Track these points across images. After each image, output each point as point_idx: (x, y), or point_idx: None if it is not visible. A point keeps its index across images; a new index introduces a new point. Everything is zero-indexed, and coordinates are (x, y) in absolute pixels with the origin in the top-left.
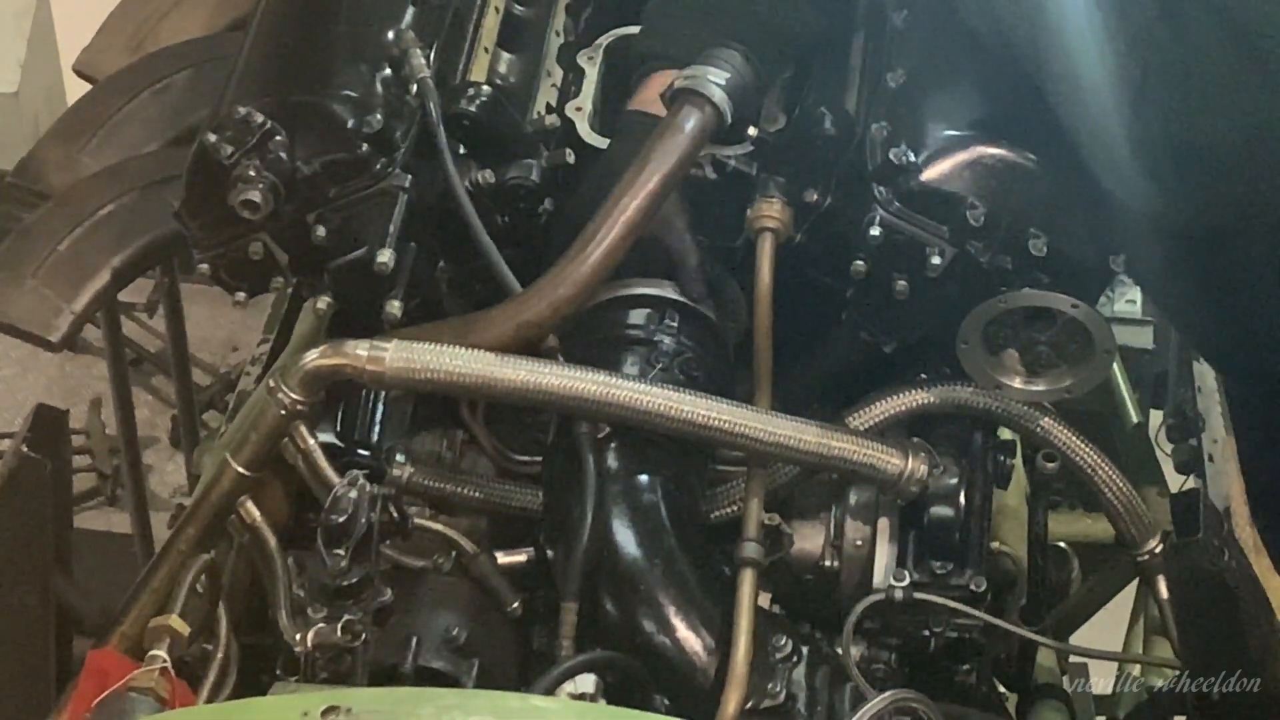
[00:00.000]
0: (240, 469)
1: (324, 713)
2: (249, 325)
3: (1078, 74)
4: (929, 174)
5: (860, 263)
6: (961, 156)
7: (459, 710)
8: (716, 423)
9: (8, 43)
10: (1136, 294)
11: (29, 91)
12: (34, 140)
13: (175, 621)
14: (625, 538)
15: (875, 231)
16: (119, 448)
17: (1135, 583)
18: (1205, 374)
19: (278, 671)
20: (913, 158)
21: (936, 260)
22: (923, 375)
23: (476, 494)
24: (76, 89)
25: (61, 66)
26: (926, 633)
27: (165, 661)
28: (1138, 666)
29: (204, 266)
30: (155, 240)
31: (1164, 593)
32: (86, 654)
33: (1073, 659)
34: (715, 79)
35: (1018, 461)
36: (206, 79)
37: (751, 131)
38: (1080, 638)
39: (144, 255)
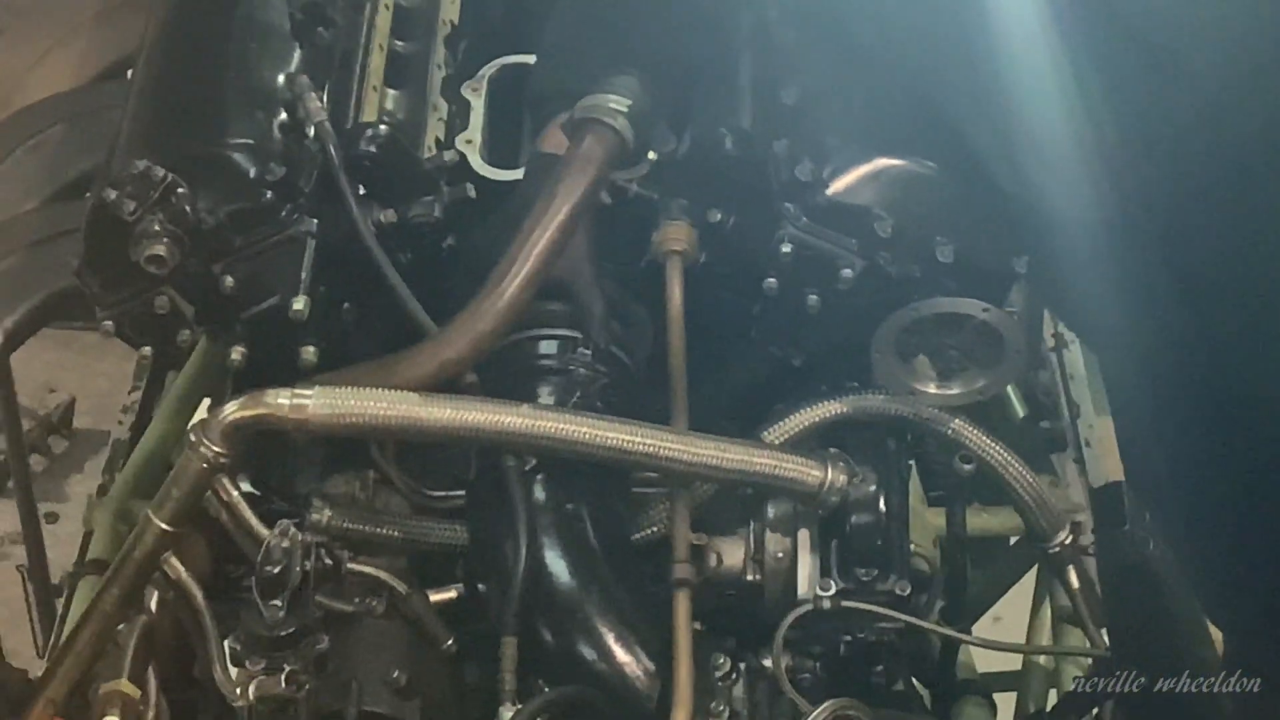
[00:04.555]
0: (164, 525)
1: None
2: (65, 365)
3: (985, 86)
4: (834, 189)
5: (772, 280)
6: (864, 169)
7: None
8: (643, 447)
9: None
10: None
11: None
12: None
13: (126, 686)
14: (559, 568)
15: (786, 249)
16: None
17: (1034, 574)
18: (1076, 361)
19: None
20: (819, 173)
21: (848, 273)
22: (823, 387)
23: (396, 533)
24: None
25: None
26: (848, 638)
27: None
28: (1042, 657)
29: (108, 324)
30: (47, 299)
31: (1075, 582)
32: None
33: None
34: (618, 105)
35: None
36: (81, 132)
37: (651, 155)
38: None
39: (36, 315)
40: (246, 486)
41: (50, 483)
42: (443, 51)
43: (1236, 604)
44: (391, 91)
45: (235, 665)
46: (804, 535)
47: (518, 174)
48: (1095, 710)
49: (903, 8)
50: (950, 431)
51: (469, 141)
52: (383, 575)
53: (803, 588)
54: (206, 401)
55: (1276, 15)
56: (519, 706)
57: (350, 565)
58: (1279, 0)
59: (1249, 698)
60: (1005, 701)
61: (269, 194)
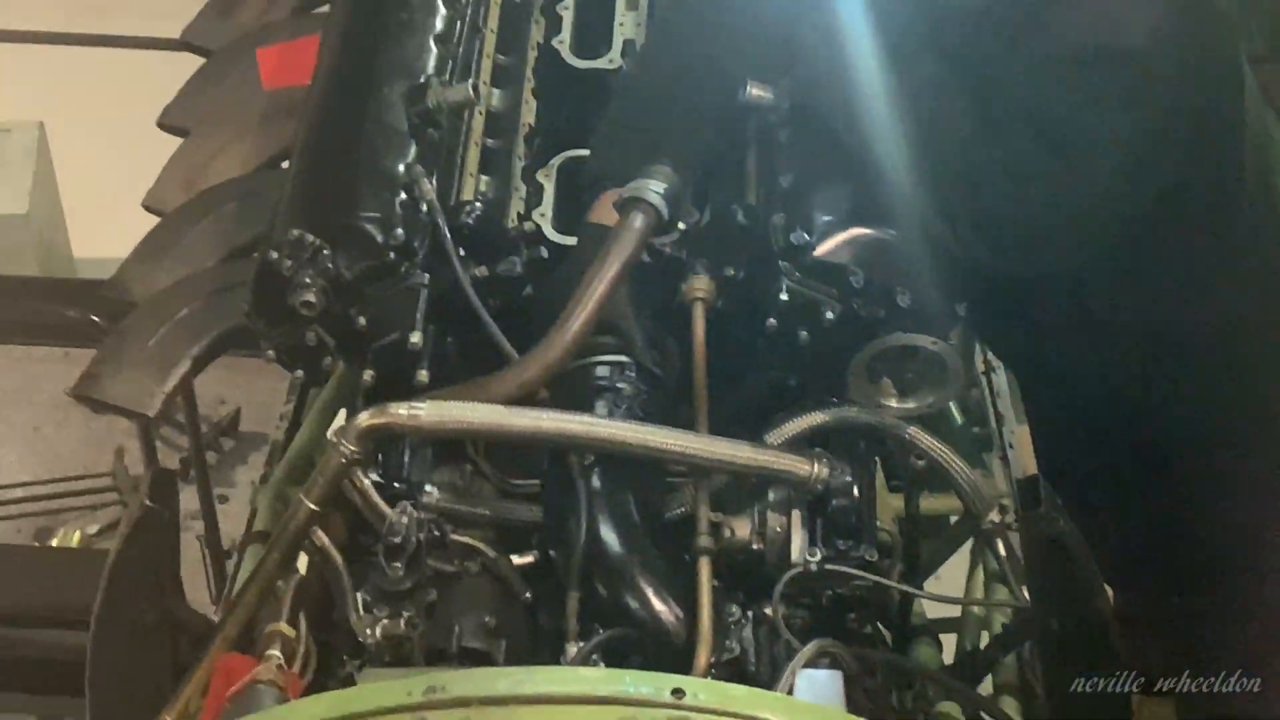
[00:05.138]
0: (312, 505)
1: (425, 691)
2: (233, 383)
3: (930, 174)
4: (820, 251)
5: (772, 320)
6: (842, 236)
7: (528, 683)
8: (673, 447)
9: (18, 173)
10: None
11: (35, 213)
12: (40, 251)
13: (284, 627)
14: (611, 539)
15: (783, 296)
16: (137, 487)
17: (969, 544)
18: (1001, 382)
19: (345, 657)
20: (808, 239)
21: (829, 315)
22: (811, 402)
23: (486, 512)
24: (73, 210)
25: (59, 192)
26: (829, 593)
27: (280, 660)
28: (977, 607)
29: (270, 353)
30: (223, 334)
31: (1002, 551)
32: (217, 657)
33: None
34: (656, 188)
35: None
36: (249, 210)
37: (680, 226)
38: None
39: (215, 346)
40: (374, 476)
41: (221, 473)
42: (522, 147)
43: (1122, 569)
44: (484, 177)
45: (365, 612)
46: (796, 515)
47: None
48: (1018, 648)
49: (869, 117)
50: (907, 436)
51: (542, 215)
52: (477, 544)
53: (795, 555)
54: (343, 412)
55: (1157, 115)
56: (580, 644)
57: (452, 536)
58: (1158, 102)
59: (1132, 637)
60: (949, 642)
61: (392, 255)
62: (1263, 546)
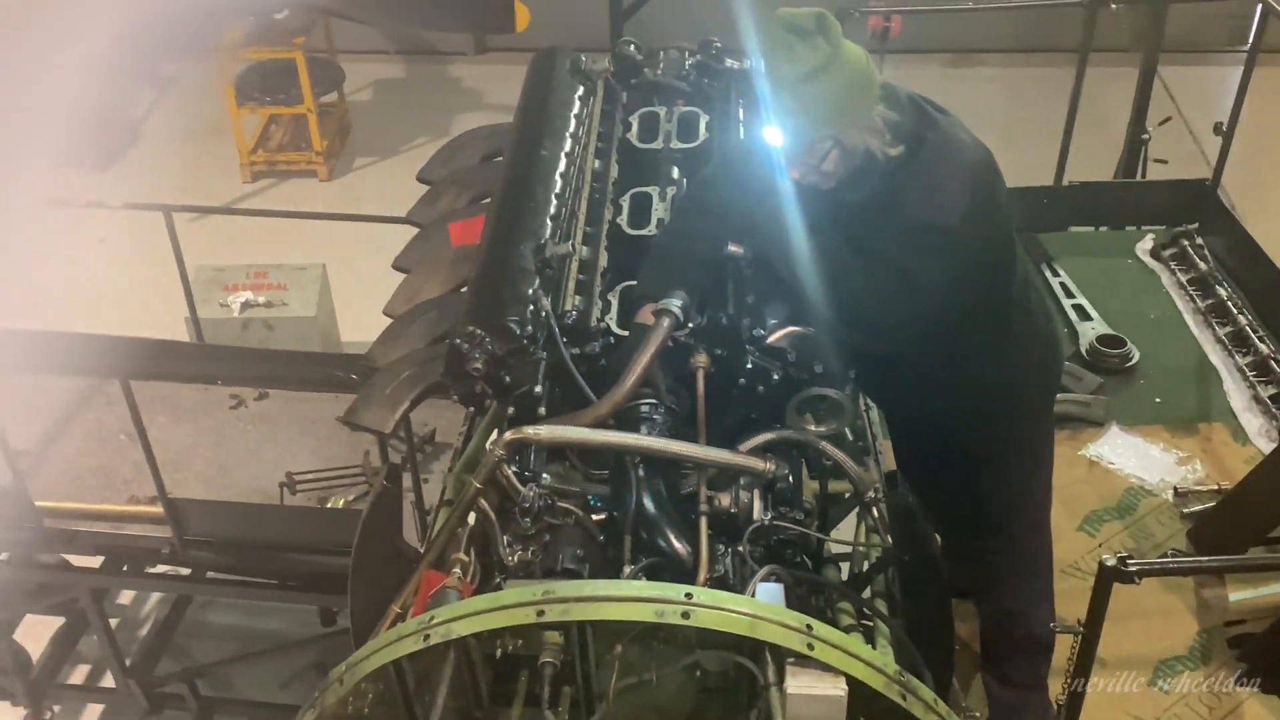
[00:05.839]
0: (478, 485)
1: (543, 593)
2: (432, 413)
3: (829, 295)
4: (770, 339)
5: (743, 380)
6: (782, 332)
7: (601, 589)
8: (684, 452)
9: (309, 294)
10: None
11: (319, 315)
12: (322, 338)
13: (462, 556)
14: (648, 504)
15: (750, 366)
16: (378, 474)
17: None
18: (875, 415)
19: (496, 573)
20: (763, 333)
21: (776, 377)
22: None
23: (578, 489)
24: (342, 314)
25: (334, 303)
26: (776, 538)
27: (459, 574)
28: (862, 545)
29: (455, 397)
30: (428, 386)
31: (876, 514)
32: (423, 573)
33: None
34: (676, 304)
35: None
36: (444, 315)
37: (690, 325)
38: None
39: (424, 393)
40: (514, 468)
41: (424, 466)
42: (599, 280)
43: (944, 525)
44: (577, 297)
45: (507, 547)
46: (756, 492)
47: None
48: (885, 571)
49: (798, 264)
50: (820, 446)
51: (610, 319)
52: (572, 508)
53: (756, 515)
54: (496, 430)
55: (963, 263)
56: (631, 567)
57: (558, 503)
58: (963, 255)
59: (949, 565)
60: (845, 567)
61: (525, 341)
62: (1021, 510)
